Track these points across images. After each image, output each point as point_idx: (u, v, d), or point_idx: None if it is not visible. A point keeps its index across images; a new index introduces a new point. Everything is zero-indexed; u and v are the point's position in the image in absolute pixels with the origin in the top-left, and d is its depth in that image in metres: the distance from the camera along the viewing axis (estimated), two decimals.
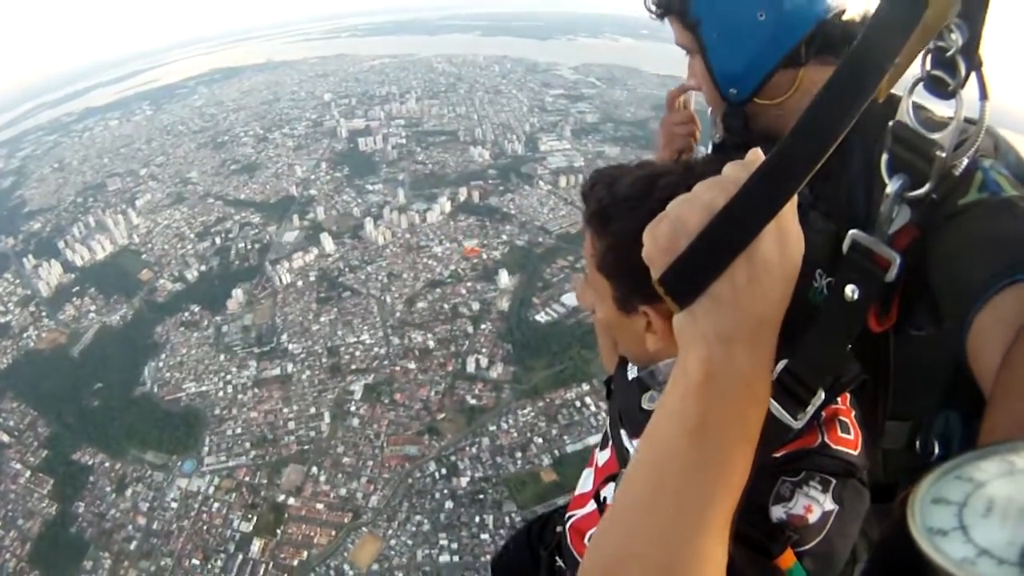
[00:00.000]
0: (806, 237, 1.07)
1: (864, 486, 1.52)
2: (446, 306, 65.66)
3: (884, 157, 1.35)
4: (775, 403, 1.25)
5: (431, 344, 60.93)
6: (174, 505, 48.18)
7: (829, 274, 1.42)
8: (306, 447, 52.15)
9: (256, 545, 45.12)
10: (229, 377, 59.35)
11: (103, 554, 45.15)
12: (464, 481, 48.58)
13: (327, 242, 76.27)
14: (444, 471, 49.36)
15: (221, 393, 57.68)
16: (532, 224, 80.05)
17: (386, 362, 59.56)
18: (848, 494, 1.46)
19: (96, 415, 55.92)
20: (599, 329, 2.84)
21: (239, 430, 53.91)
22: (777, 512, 1.42)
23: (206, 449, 52.25)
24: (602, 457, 2.43)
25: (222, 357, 61.89)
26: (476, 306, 65.26)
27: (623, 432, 2.19)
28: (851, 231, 1.19)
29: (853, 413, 1.63)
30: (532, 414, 53.75)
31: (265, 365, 60.46)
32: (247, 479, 49.70)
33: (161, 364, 61.69)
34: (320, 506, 47.63)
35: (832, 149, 0.96)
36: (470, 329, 62.47)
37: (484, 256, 73.70)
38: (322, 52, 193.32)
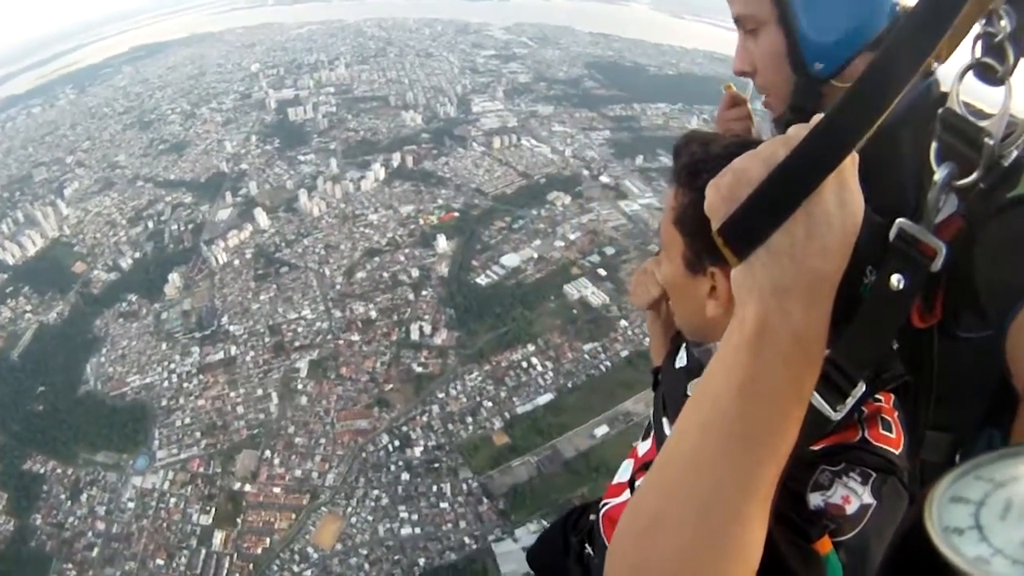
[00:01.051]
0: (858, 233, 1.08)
1: (904, 488, 1.43)
2: (386, 275, 64.26)
3: (933, 145, 1.31)
4: (814, 393, 1.20)
5: (373, 314, 59.64)
6: (131, 505, 46.23)
7: (879, 269, 1.26)
8: (257, 431, 50.53)
9: (218, 537, 43.67)
10: (173, 366, 57.13)
11: (66, 566, 43.30)
12: (418, 451, 47.87)
13: (261, 217, 73.83)
14: (397, 443, 48.50)
15: (166, 383, 55.52)
16: (468, 187, 79.01)
17: (329, 336, 58.05)
18: (888, 491, 1.38)
19: (43, 420, 53.28)
20: (650, 321, 2.80)
21: (188, 420, 51.99)
22: (815, 500, 1.35)
23: (157, 443, 50.29)
24: (643, 447, 2.41)
25: (164, 345, 59.60)
26: (416, 273, 64.04)
27: (665, 420, 2.19)
28: (898, 220, 1.19)
29: (897, 414, 1.56)
30: (479, 378, 53.18)
31: (208, 350, 58.39)
32: (201, 470, 47.99)
33: (103, 359, 59.12)
34: (277, 490, 46.34)
35: (892, 106, 0.99)
36: (411, 296, 61.27)
37: (420, 221, 72.38)
38: (247, 22, 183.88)
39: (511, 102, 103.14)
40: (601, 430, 48.79)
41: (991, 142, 1.19)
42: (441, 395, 51.96)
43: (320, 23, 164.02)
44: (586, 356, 54.93)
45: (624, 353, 54.97)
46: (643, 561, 1.02)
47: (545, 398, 51.45)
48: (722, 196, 1.03)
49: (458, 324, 58.10)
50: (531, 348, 55.23)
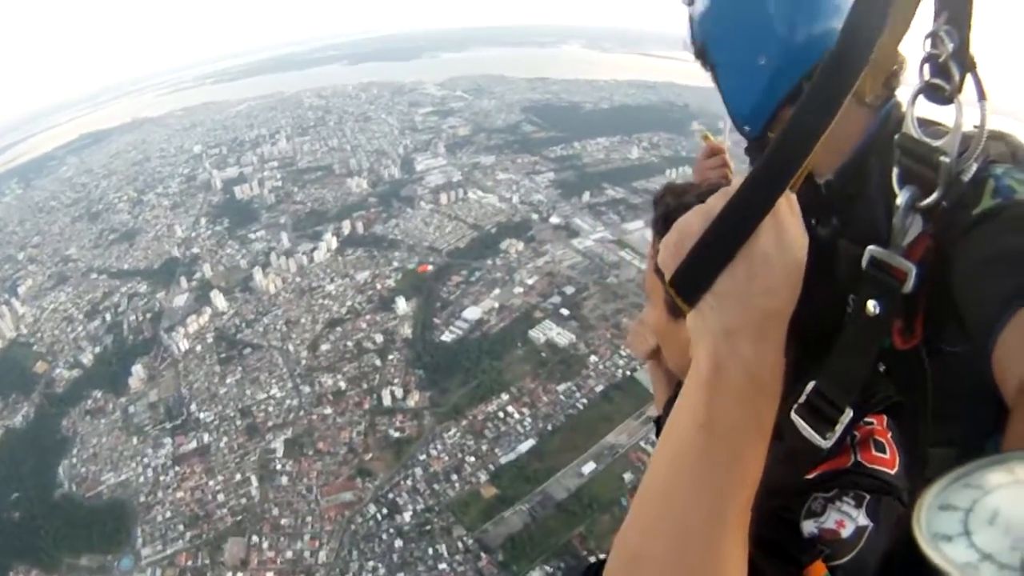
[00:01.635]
0: (836, 266, 1.17)
1: (904, 506, 1.38)
2: (350, 343, 63.12)
3: (895, 171, 1.35)
4: (803, 424, 1.26)
5: (342, 385, 58.29)
6: None
7: (856, 297, 1.30)
8: (241, 516, 48.77)
9: None
10: (147, 460, 54.93)
11: None
12: (407, 516, 46.71)
13: (218, 300, 72.12)
14: (385, 511, 47.24)
15: (142, 479, 53.30)
16: (420, 246, 78.69)
17: (301, 412, 56.42)
18: (884, 512, 1.34)
19: (21, 528, 50.83)
20: (651, 370, 2.67)
21: (169, 514, 49.88)
22: (808, 527, 1.32)
23: (140, 541, 48.13)
24: None
25: (135, 440, 57.26)
26: (379, 338, 63.00)
27: None
28: (868, 247, 1.21)
29: (890, 435, 1.52)
30: (458, 435, 52.28)
31: (180, 440, 56.23)
32: (189, 563, 46.13)
33: (75, 460, 56.80)
34: (270, 575, 44.72)
35: (815, 147, 1.02)
36: (378, 362, 60.19)
37: (378, 286, 71.53)
38: (187, 103, 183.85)
39: (453, 156, 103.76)
40: (588, 467, 48.44)
41: (947, 160, 1.24)
42: (422, 457, 50.81)
43: (259, 98, 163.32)
44: (561, 397, 54.51)
45: (599, 388, 54.90)
46: None
47: (527, 444, 50.81)
48: (669, 252, 1.07)
49: (429, 384, 57.24)
50: (505, 397, 54.66)
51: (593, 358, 58.10)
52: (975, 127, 1.26)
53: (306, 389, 58.68)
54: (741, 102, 2.28)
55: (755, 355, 1.00)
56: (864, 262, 1.18)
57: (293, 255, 78.04)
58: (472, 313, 64.58)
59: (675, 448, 1.05)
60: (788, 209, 1.05)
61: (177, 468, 53.68)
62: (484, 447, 50.90)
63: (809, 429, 1.23)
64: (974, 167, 1.29)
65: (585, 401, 54.12)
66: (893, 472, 1.39)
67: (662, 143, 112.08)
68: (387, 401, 55.47)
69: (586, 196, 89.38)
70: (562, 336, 61.16)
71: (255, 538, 46.87)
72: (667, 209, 1.69)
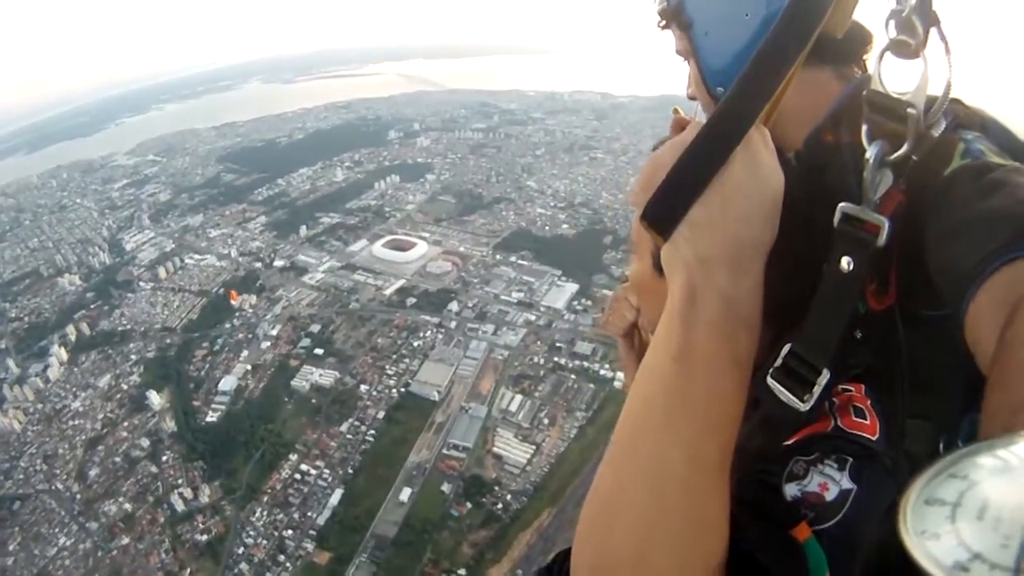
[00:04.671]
0: (808, 237, 1.11)
1: (888, 474, 1.23)
2: (118, 459, 52.57)
3: (863, 127, 1.25)
4: (780, 388, 1.15)
5: (128, 507, 48.39)
6: None
7: (830, 257, 1.20)
8: None
9: None
10: None
11: None
12: None
13: None
14: None
15: None
16: (153, 329, 67.76)
17: (100, 553, 46.00)
18: (867, 476, 1.19)
19: None
20: (623, 350, 2.41)
21: None
22: (791, 490, 1.17)
23: None
24: None
25: None
26: (146, 442, 53.19)
27: None
28: (840, 204, 1.13)
29: (869, 402, 1.35)
30: (265, 513, 45.71)
31: None
32: None
33: None
34: None
35: (786, 77, 1.00)
36: (154, 468, 50.79)
37: (124, 386, 60.55)
38: None
39: (160, 225, 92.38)
40: (405, 493, 44.64)
41: (915, 112, 1.16)
42: (240, 550, 43.84)
43: None
44: (348, 436, 49.62)
45: (380, 415, 50.77)
46: (604, 544, 0.92)
47: (336, 495, 45.84)
48: (641, 185, 1.02)
49: (214, 472, 49.42)
50: (294, 458, 48.75)
51: (363, 387, 53.43)
52: (944, 89, 1.15)
53: (93, 526, 47.79)
54: (719, 58, 2.01)
55: (731, 284, 0.95)
56: (836, 219, 1.09)
57: (26, 381, 63.64)
58: (228, 383, 56.45)
59: (649, 386, 0.97)
60: (760, 140, 1.01)
61: None
62: (296, 515, 44.83)
63: (786, 392, 1.11)
64: (943, 122, 1.20)
65: (373, 432, 49.53)
66: (874, 438, 1.21)
67: (364, 159, 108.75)
68: (180, 506, 46.90)
69: (303, 230, 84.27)
70: (325, 376, 55.54)
71: None
72: None
